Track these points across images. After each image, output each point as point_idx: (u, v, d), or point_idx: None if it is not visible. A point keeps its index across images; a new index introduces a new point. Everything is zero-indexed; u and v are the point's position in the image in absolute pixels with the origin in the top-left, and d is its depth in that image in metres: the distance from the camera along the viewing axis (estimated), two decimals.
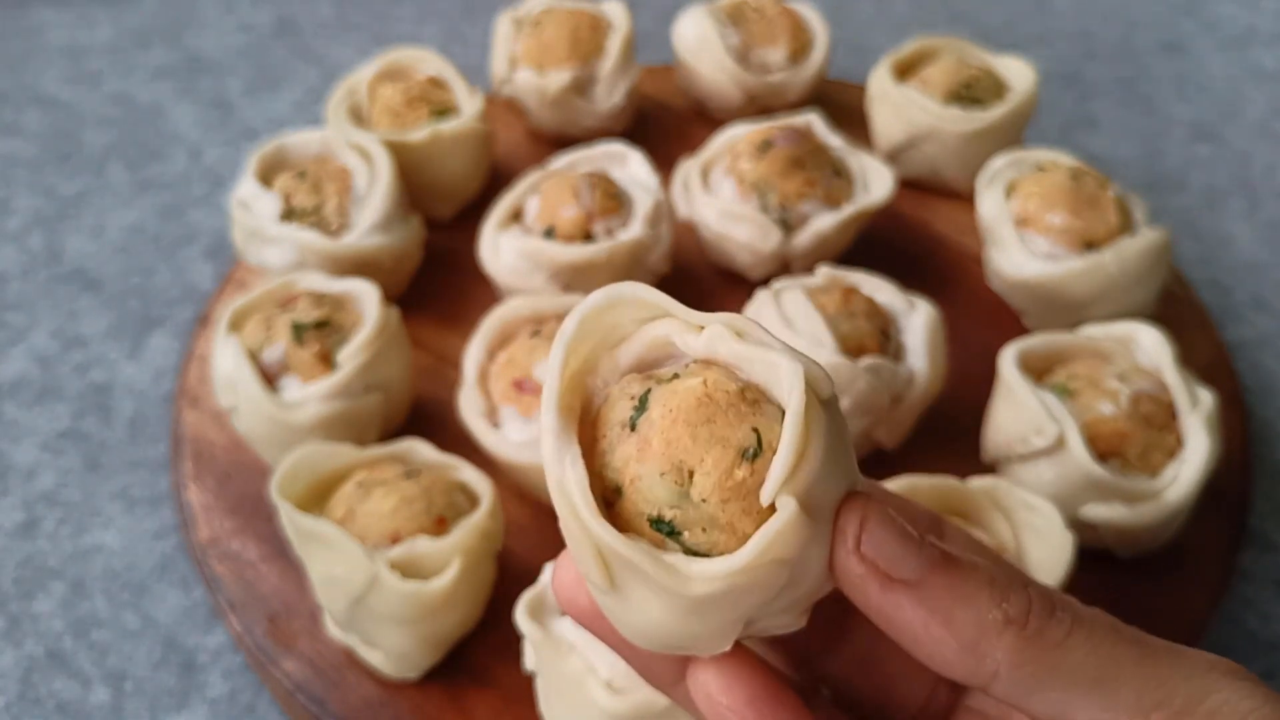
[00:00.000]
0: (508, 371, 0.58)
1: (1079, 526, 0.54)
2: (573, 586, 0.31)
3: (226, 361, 0.58)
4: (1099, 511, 0.54)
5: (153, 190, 0.85)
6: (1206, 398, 0.56)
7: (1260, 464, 0.67)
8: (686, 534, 0.28)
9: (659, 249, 0.68)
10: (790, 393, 0.27)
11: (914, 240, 0.77)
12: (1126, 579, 0.57)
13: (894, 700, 0.35)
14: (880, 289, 0.62)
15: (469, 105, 0.74)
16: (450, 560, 0.50)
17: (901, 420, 0.60)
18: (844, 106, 0.84)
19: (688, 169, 0.72)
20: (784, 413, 0.28)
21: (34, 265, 0.79)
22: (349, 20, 1.03)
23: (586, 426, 0.30)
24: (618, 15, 0.81)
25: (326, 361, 0.59)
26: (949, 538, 0.36)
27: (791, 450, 0.27)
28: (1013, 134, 0.76)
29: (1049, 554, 0.51)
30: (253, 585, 0.57)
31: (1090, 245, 0.65)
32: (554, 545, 0.56)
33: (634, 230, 0.66)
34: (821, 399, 0.28)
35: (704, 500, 0.28)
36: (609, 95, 0.79)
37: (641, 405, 0.29)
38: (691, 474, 0.28)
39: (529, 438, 0.56)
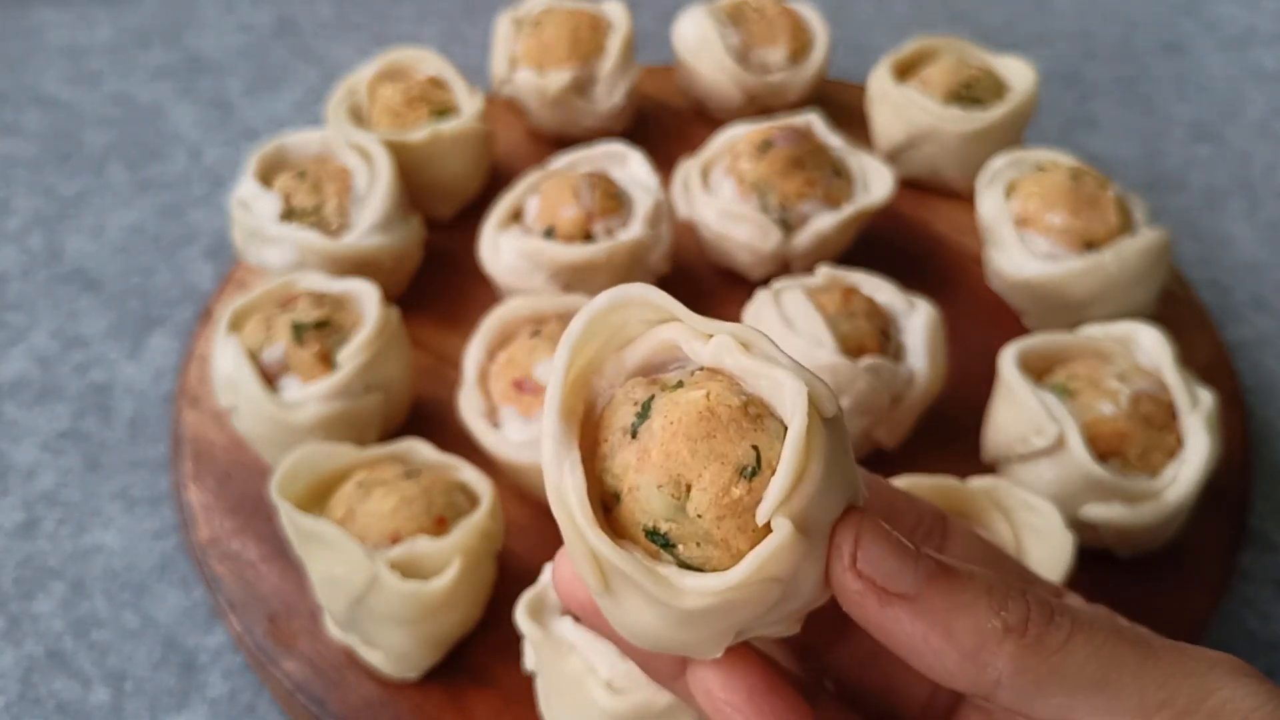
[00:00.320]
0: (508, 371, 0.58)
1: (1079, 526, 0.54)
2: (573, 581, 0.32)
3: (226, 361, 0.58)
4: (1099, 511, 0.54)
5: (153, 190, 0.85)
6: (1206, 398, 0.56)
7: (1260, 464, 0.67)
8: (681, 548, 0.28)
9: (659, 249, 0.68)
10: (793, 414, 0.27)
11: (914, 240, 0.77)
12: (1126, 579, 0.57)
13: (898, 695, 0.35)
14: (880, 289, 0.62)
15: (469, 105, 0.74)
16: (450, 560, 0.50)
17: (901, 420, 0.60)
18: (844, 106, 0.84)
19: (688, 169, 0.72)
20: (786, 430, 0.28)
21: (34, 265, 0.79)
22: (349, 20, 1.03)
23: (589, 428, 0.30)
24: (618, 15, 0.81)
25: (326, 361, 0.59)
26: (953, 536, 0.36)
27: (789, 473, 0.27)
28: (1013, 134, 0.76)
29: (1049, 554, 0.51)
30: (253, 585, 0.56)
31: (1090, 245, 0.65)
32: (554, 545, 0.55)
33: (634, 230, 0.66)
34: (825, 417, 0.28)
35: (700, 516, 0.28)
36: (609, 95, 0.79)
37: (644, 412, 0.29)
38: (689, 488, 0.28)
39: (529, 438, 0.56)
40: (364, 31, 1.02)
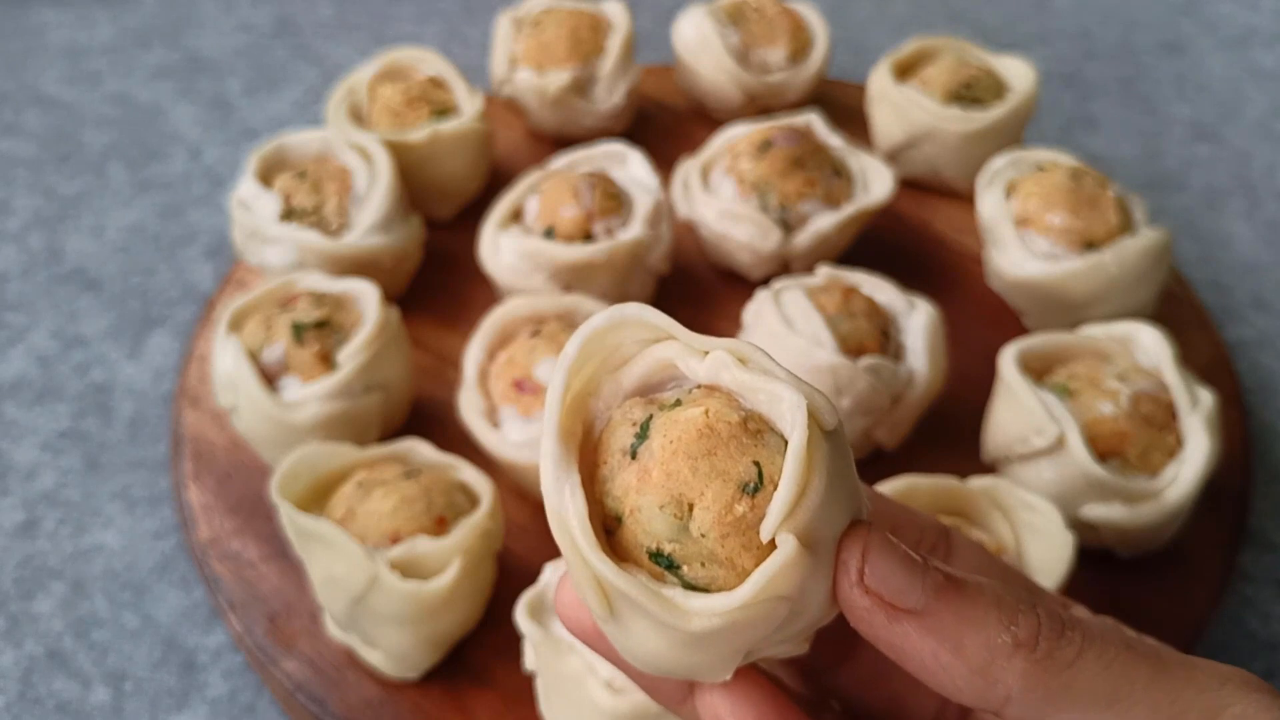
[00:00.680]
0: (508, 371, 0.58)
1: (1079, 526, 0.54)
2: (576, 607, 0.31)
3: (226, 361, 0.58)
4: (1099, 511, 0.54)
5: (153, 190, 0.85)
6: (1206, 398, 0.56)
7: (1260, 464, 0.67)
8: (685, 568, 0.28)
9: (659, 249, 0.68)
10: (792, 427, 0.27)
11: (914, 240, 0.77)
12: (1126, 579, 0.57)
13: (904, 714, 0.34)
14: (880, 289, 0.62)
15: (469, 105, 0.74)
16: (450, 560, 0.50)
17: (901, 420, 0.60)
18: (844, 106, 0.84)
19: (688, 169, 0.72)
20: (787, 444, 0.27)
21: (34, 265, 0.79)
22: (349, 20, 1.03)
23: (588, 450, 0.30)
24: (618, 15, 0.81)
25: (326, 361, 0.59)
26: (957, 550, 0.36)
27: (792, 488, 0.26)
28: (1013, 134, 0.76)
29: (1049, 554, 0.51)
30: (253, 585, 0.56)
31: (1090, 245, 0.65)
32: (554, 545, 0.55)
33: (634, 230, 0.66)
34: (825, 430, 0.28)
35: (703, 535, 0.27)
36: (609, 95, 0.79)
37: (643, 433, 0.28)
38: (691, 507, 0.27)
39: (529, 438, 0.56)
40: (364, 31, 1.02)
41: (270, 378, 0.59)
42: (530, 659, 0.50)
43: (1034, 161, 0.70)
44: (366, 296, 0.61)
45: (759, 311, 0.61)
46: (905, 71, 0.80)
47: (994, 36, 1.01)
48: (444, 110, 0.74)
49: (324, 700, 0.52)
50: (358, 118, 0.74)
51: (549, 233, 0.66)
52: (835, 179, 0.70)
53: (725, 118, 0.81)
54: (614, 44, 0.79)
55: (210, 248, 0.80)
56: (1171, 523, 0.55)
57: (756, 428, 0.28)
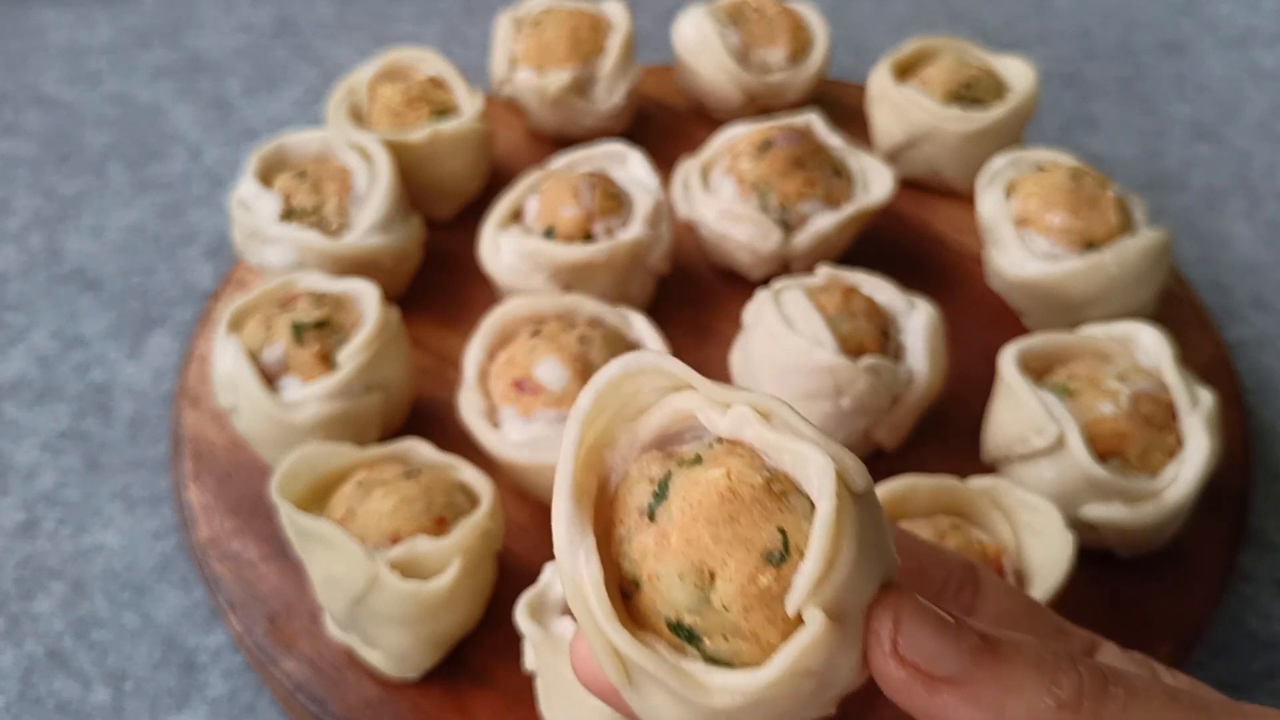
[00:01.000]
0: (508, 371, 0.58)
1: (1079, 526, 0.54)
2: (592, 664, 0.30)
3: (226, 361, 0.58)
4: (1099, 511, 0.54)
5: (153, 190, 0.85)
6: (1206, 398, 0.56)
7: (1260, 464, 0.67)
8: (707, 641, 0.26)
9: (659, 249, 0.68)
10: (820, 494, 0.26)
11: (914, 240, 0.77)
12: (1126, 579, 0.57)
13: None
14: (880, 289, 0.62)
15: (469, 105, 0.74)
16: (450, 560, 0.50)
17: (901, 420, 0.60)
18: (844, 106, 0.84)
19: (688, 169, 0.72)
20: (813, 507, 0.26)
21: (34, 265, 0.79)
22: (349, 20, 1.03)
23: (603, 506, 0.28)
24: (618, 15, 0.81)
25: (326, 361, 0.59)
26: (985, 590, 0.34)
27: (819, 561, 0.25)
28: (1013, 134, 0.76)
29: (1049, 554, 0.51)
30: (253, 585, 0.56)
31: (1090, 245, 0.65)
32: (554, 545, 0.56)
33: (634, 230, 0.66)
34: (855, 492, 0.26)
35: (726, 607, 0.26)
36: (609, 95, 0.79)
37: (661, 491, 0.27)
38: (713, 576, 0.26)
39: (529, 438, 0.56)
40: (364, 31, 1.02)
41: (270, 378, 0.59)
42: (530, 659, 0.50)
43: (1034, 161, 0.70)
44: (366, 296, 0.61)
45: (759, 311, 0.61)
46: (905, 71, 0.80)
47: (994, 36, 1.01)
48: (444, 110, 0.74)
49: (324, 700, 0.52)
50: (358, 118, 0.74)
51: (549, 233, 0.66)
52: (835, 179, 0.70)
53: (725, 118, 0.81)
54: (614, 44, 0.79)
55: (210, 248, 0.80)
56: (1171, 523, 0.55)
57: (781, 490, 0.27)
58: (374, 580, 0.48)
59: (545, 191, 0.68)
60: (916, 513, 0.53)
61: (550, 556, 0.51)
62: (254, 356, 0.58)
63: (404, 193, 0.69)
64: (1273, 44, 1.03)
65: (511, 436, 0.57)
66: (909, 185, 0.79)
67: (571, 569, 0.27)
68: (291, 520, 0.50)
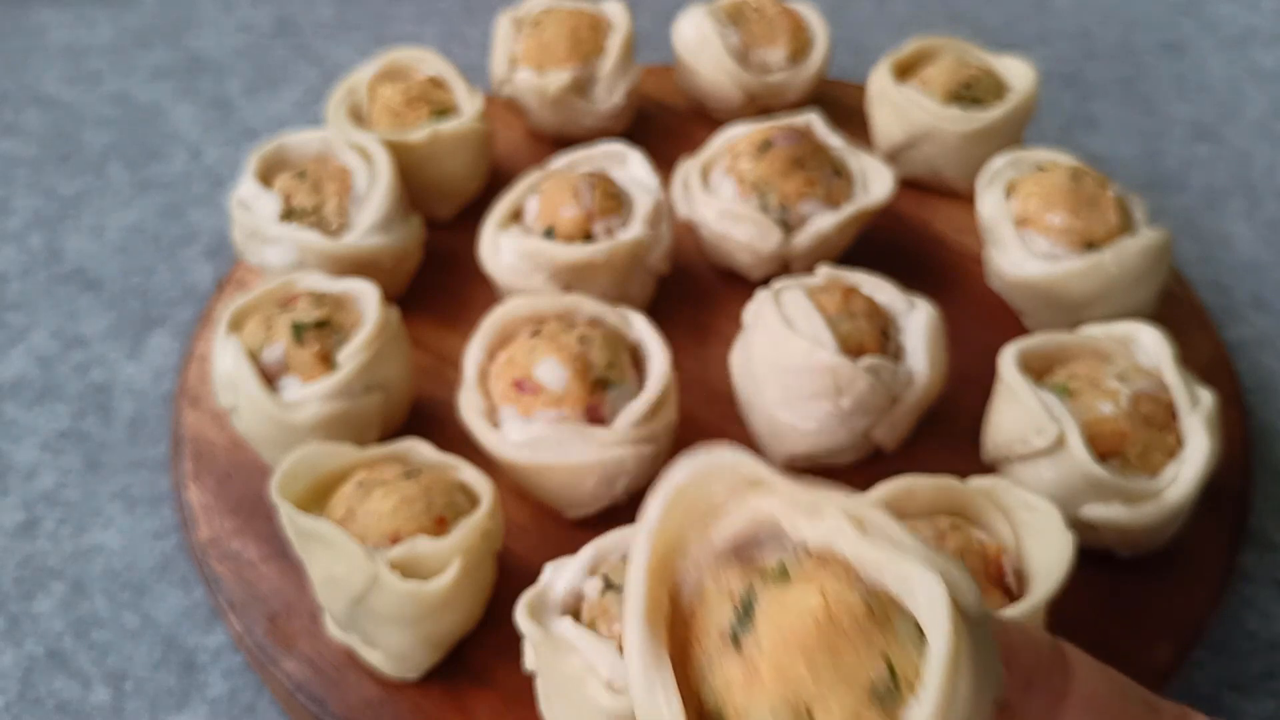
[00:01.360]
0: (508, 371, 0.58)
1: (1079, 526, 0.54)
2: None
3: (226, 361, 0.58)
4: (1099, 511, 0.54)
5: (153, 190, 0.85)
6: (1206, 398, 0.56)
7: (1260, 464, 0.67)
8: None
9: (659, 249, 0.68)
10: (934, 625, 0.23)
11: (914, 240, 0.77)
12: (1126, 579, 0.57)
13: None
14: (880, 289, 0.62)
15: (469, 105, 0.74)
16: (450, 560, 0.50)
17: (901, 420, 0.60)
18: (844, 106, 0.84)
19: (688, 169, 0.72)
20: (919, 630, 0.24)
21: (34, 265, 0.79)
22: (349, 20, 1.03)
23: (677, 624, 0.26)
24: (618, 15, 0.81)
25: (326, 361, 0.59)
26: (1075, 669, 0.33)
27: (938, 704, 0.23)
28: (1013, 134, 0.76)
29: (1049, 554, 0.51)
30: (253, 585, 0.56)
31: (1090, 245, 0.65)
32: (554, 545, 0.56)
33: (634, 230, 0.66)
34: (969, 616, 0.24)
35: None
36: (609, 95, 0.79)
37: (745, 612, 0.25)
38: (810, 714, 0.24)
39: (529, 438, 0.56)
40: (364, 31, 1.02)
41: (270, 378, 0.59)
42: (530, 659, 0.50)
43: (1034, 161, 0.70)
44: (366, 296, 0.61)
45: (759, 311, 0.61)
46: (905, 71, 0.80)
47: (994, 36, 1.01)
48: (444, 110, 0.74)
49: (324, 700, 0.52)
50: (358, 118, 0.74)
51: (549, 233, 0.66)
52: (835, 179, 0.70)
53: (725, 118, 0.81)
54: (614, 44, 0.79)
55: (210, 248, 0.80)
56: (1171, 523, 0.55)
57: (883, 612, 0.24)
58: (374, 580, 0.48)
59: (545, 191, 0.68)
60: (916, 513, 0.53)
61: (550, 556, 0.51)
62: (254, 356, 0.58)
63: (404, 193, 0.69)
64: (1273, 44, 1.03)
65: (511, 436, 0.57)
66: (909, 185, 0.79)
67: (650, 709, 0.24)
68: (291, 520, 0.50)
